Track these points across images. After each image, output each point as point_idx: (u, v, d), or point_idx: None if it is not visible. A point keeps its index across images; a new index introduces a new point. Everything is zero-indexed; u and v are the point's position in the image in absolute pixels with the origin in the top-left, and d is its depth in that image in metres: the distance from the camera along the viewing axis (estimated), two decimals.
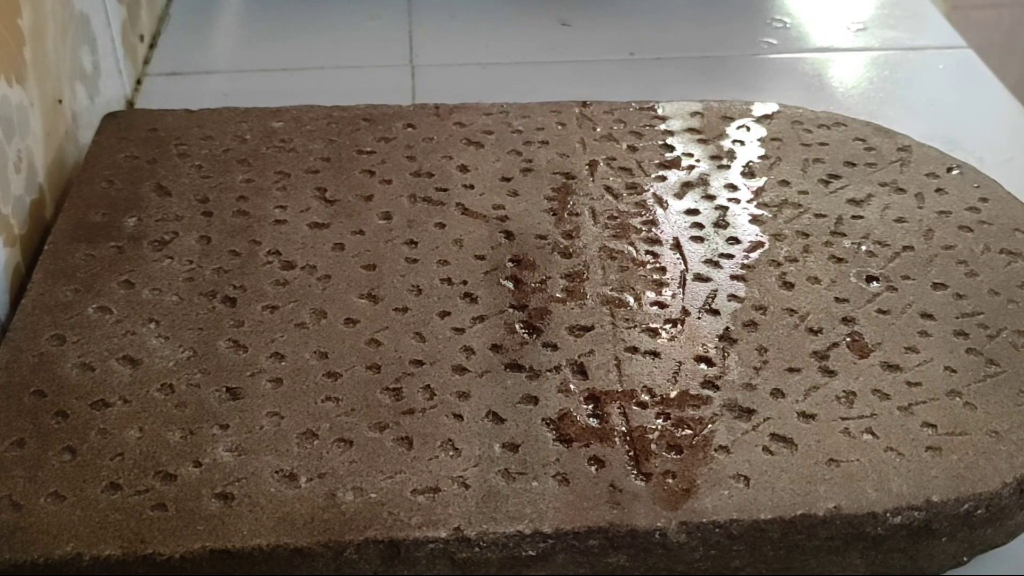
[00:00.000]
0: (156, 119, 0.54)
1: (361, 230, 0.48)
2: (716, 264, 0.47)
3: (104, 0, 0.60)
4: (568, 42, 0.72)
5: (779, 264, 0.47)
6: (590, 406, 0.41)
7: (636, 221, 0.49)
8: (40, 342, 0.42)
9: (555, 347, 0.43)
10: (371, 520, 0.36)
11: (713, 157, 0.54)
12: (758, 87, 0.68)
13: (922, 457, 0.39)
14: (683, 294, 0.46)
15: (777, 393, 0.41)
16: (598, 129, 0.55)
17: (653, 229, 0.49)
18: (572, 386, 0.41)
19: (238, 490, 0.37)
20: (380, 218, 0.49)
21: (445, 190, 0.51)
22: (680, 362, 0.42)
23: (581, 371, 0.42)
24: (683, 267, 0.47)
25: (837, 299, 0.46)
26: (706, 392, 0.41)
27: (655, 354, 0.43)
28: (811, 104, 0.59)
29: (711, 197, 0.51)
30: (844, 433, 0.40)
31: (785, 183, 0.52)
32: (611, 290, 0.46)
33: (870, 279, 0.47)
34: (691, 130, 0.56)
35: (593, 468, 0.38)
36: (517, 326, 0.44)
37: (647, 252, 0.48)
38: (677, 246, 0.48)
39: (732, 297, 0.46)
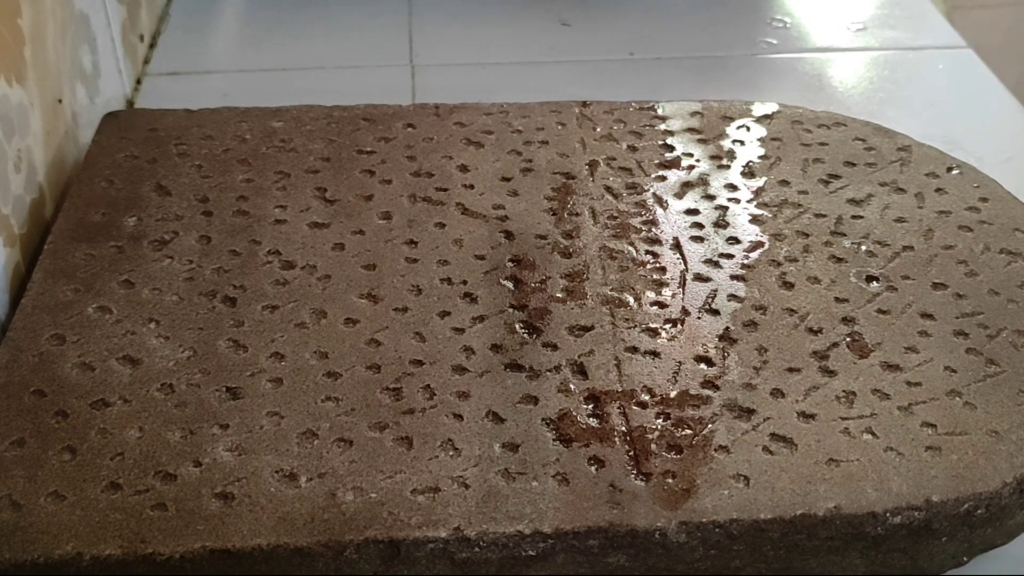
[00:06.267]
0: (156, 119, 0.54)
1: (361, 230, 0.48)
2: (716, 264, 0.47)
3: (104, 0, 0.60)
4: (568, 42, 0.72)
5: (779, 264, 0.47)
6: (590, 406, 0.41)
7: (636, 221, 0.49)
8: (40, 342, 0.42)
9: (555, 347, 0.43)
10: (371, 520, 0.36)
11: (713, 157, 0.54)
12: (758, 87, 0.68)
13: (922, 457, 0.39)
14: (683, 294, 0.46)
15: (777, 393, 0.41)
16: (598, 129, 0.55)
17: (653, 229, 0.49)
18: (572, 386, 0.41)
19: (238, 490, 0.37)
20: (380, 218, 0.49)
21: (445, 190, 0.51)
22: (680, 362, 0.42)
23: (581, 371, 0.42)
24: (683, 267, 0.47)
25: (837, 299, 0.46)
26: (706, 392, 0.41)
27: (655, 354, 0.43)
28: (811, 104, 0.59)
29: (711, 197, 0.51)
30: (844, 433, 0.40)
31: (785, 183, 0.52)
32: (611, 290, 0.46)
33: (870, 279, 0.47)
34: (691, 130, 0.56)
35: (593, 468, 0.38)
36: (517, 326, 0.44)
37: (647, 252, 0.48)
38: (677, 246, 0.48)
39: (732, 297, 0.46)
